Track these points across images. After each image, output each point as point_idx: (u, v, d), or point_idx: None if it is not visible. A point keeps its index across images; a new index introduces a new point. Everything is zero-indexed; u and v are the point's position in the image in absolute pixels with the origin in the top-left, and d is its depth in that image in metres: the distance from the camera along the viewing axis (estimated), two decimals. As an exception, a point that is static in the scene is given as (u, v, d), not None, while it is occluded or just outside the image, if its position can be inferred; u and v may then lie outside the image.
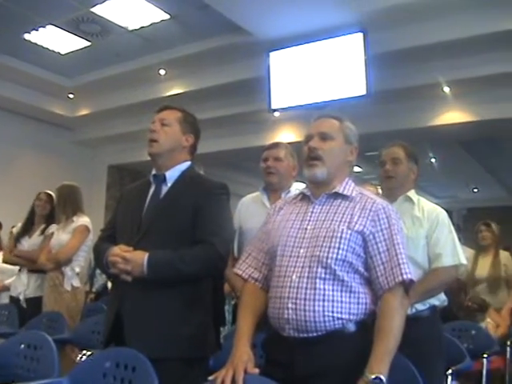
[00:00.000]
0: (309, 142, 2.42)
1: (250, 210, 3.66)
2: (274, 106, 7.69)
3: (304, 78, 7.38)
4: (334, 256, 2.21)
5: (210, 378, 2.15)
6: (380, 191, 3.57)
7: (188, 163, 2.86)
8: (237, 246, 3.57)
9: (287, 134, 8.86)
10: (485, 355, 4.34)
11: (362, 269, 2.26)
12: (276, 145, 3.80)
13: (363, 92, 6.89)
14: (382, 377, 2.06)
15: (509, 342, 5.08)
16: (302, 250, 2.28)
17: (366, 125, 7.49)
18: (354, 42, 6.89)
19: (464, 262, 3.35)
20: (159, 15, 7.19)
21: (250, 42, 7.15)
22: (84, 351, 3.99)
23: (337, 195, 2.38)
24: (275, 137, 8.76)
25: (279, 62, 7.48)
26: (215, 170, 9.92)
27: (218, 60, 7.83)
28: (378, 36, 6.70)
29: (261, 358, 2.41)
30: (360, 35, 6.82)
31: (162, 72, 8.63)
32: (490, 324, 5.25)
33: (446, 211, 3.44)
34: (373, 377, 2.05)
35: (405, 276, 2.21)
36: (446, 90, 7.61)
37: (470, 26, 6.44)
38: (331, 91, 7.13)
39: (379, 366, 2.08)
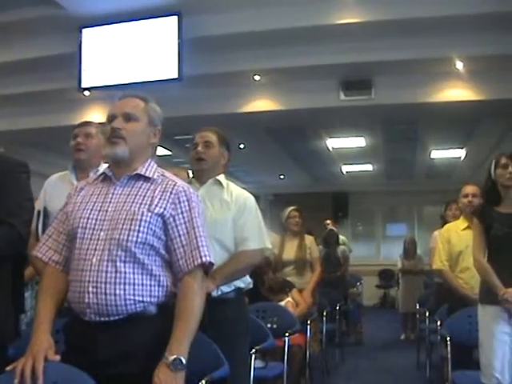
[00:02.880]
0: (112, 122, 2.36)
1: (56, 189, 3.53)
2: (84, 85, 7.45)
3: (116, 58, 7.21)
4: (134, 239, 2.20)
5: (8, 368, 2.06)
6: (191, 175, 3.59)
7: None
8: (41, 228, 3.43)
9: (98, 115, 8.61)
10: (287, 334, 4.53)
11: (162, 251, 2.27)
12: (87, 122, 3.72)
13: (175, 75, 6.87)
14: (182, 358, 2.09)
15: (309, 321, 5.37)
16: (102, 233, 2.24)
17: (177, 108, 7.54)
18: (169, 25, 6.83)
19: (269, 246, 3.47)
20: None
21: (61, 16, 6.83)
22: None
23: (138, 177, 2.36)
24: (85, 116, 8.47)
25: (91, 39, 7.23)
26: (20, 148, 9.44)
27: (25, 33, 7.41)
28: (192, 20, 6.69)
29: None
30: (175, 18, 6.77)
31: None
32: (290, 303, 5.50)
33: (254, 196, 3.55)
34: (172, 358, 2.08)
35: (204, 259, 2.25)
36: (257, 78, 7.80)
37: (283, 18, 6.62)
38: (143, 73, 7.04)
39: (179, 347, 2.11)
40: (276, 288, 5.67)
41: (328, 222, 10.00)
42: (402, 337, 9.70)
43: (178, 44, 6.80)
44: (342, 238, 10.02)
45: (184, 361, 2.10)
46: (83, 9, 6.79)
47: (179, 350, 2.11)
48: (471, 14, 6.35)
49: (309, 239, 6.43)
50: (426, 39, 6.82)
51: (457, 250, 4.88)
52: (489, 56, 7.08)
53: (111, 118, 2.38)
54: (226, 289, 3.25)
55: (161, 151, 10.90)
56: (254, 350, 3.71)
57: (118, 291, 2.16)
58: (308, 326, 5.33)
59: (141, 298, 2.19)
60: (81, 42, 7.22)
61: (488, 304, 3.74)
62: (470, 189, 5.00)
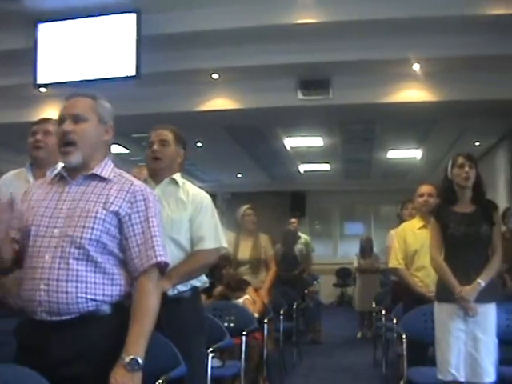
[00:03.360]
0: (61, 124, 2.32)
1: (11, 187, 3.46)
2: (40, 81, 7.32)
3: (73, 55, 7.08)
4: (88, 236, 2.18)
5: None
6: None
7: None
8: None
9: (54, 112, 8.38)
10: (244, 332, 4.54)
11: (116, 250, 2.25)
12: (46, 119, 3.64)
13: (133, 73, 6.79)
14: (139, 358, 2.08)
15: (266, 320, 5.38)
16: (56, 230, 2.21)
17: (134, 106, 7.49)
18: (127, 22, 6.75)
19: (225, 245, 3.47)
20: None
21: (17, 10, 6.70)
22: None
23: (94, 176, 2.33)
24: (41, 113, 8.32)
25: (48, 35, 7.10)
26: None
27: (-22, 27, 7.28)
28: (151, 18, 6.63)
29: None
30: (133, 15, 6.70)
31: None
32: (248, 300, 5.50)
33: (211, 195, 3.54)
34: (129, 358, 2.07)
35: (159, 258, 2.24)
36: (215, 76, 7.78)
37: (242, 16, 6.62)
38: (101, 70, 6.94)
39: (135, 347, 2.10)
40: (234, 285, 5.67)
41: (293, 220, 10.01)
42: (359, 335, 9.78)
43: (137, 41, 6.73)
44: (304, 237, 10.04)
45: (140, 361, 2.08)
46: (40, 3, 6.67)
47: (135, 350, 2.09)
48: (428, 17, 6.44)
49: (263, 238, 6.45)
50: (383, 40, 6.89)
51: (412, 249, 4.94)
52: (445, 58, 7.18)
53: (60, 121, 2.34)
54: (182, 288, 3.24)
55: (118, 149, 10.82)
56: (211, 349, 3.71)
57: (69, 289, 2.13)
58: (265, 325, 5.34)
59: (93, 297, 2.16)
60: (37, 37, 7.09)
61: (444, 302, 3.80)
62: (425, 188, 5.06)
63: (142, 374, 2.09)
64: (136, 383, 2.07)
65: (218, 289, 5.67)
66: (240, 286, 5.70)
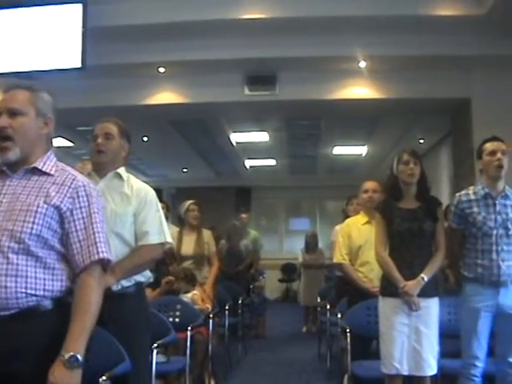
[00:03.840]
0: None
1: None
2: (-20, 72, 7.14)
3: (17, 44, 6.91)
4: (29, 230, 2.13)
5: None
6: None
7: None
8: None
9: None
10: (189, 328, 4.52)
11: (58, 245, 2.20)
12: None
13: (78, 65, 6.65)
14: (78, 355, 2.05)
15: (211, 315, 5.37)
16: None
17: (79, 99, 7.37)
18: (73, 13, 6.60)
19: (169, 240, 3.44)
20: None
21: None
22: None
23: (36, 170, 2.28)
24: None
25: (-10, 23, 6.93)
26: None
27: None
28: (97, 9, 6.51)
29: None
30: (79, 6, 6.56)
31: None
32: (196, 295, 5.49)
33: (156, 190, 3.51)
34: (68, 355, 2.03)
35: (101, 255, 2.21)
36: (161, 70, 7.72)
37: (189, 10, 6.61)
38: (45, 61, 6.77)
39: (75, 344, 2.07)
40: (189, 275, 5.66)
41: (244, 215, 9.98)
42: (304, 329, 9.85)
43: (82, 33, 6.58)
44: (253, 233, 10.03)
45: (80, 358, 2.05)
46: (-19, -10, 6.52)
47: (75, 347, 2.06)
48: (375, 15, 6.53)
49: (206, 234, 6.45)
50: (330, 37, 6.96)
51: (357, 245, 4.98)
52: (391, 56, 7.31)
53: None
54: (126, 283, 3.20)
55: (63, 142, 10.62)
56: (155, 345, 3.69)
57: (8, 283, 2.08)
58: (210, 320, 5.33)
59: (33, 292, 2.11)
60: (-24, 25, 6.90)
61: (388, 296, 3.85)
62: (370, 185, 5.11)
63: (81, 371, 2.06)
64: (75, 381, 2.04)
65: (166, 279, 5.62)
66: (194, 278, 5.71)
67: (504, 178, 3.91)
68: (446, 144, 10.35)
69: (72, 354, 2.04)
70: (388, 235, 3.95)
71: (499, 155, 3.86)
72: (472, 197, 3.93)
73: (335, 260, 5.21)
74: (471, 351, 3.79)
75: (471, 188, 4.01)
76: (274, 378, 6.58)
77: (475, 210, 3.88)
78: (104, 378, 2.30)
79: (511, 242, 3.84)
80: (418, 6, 6.56)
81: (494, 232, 3.82)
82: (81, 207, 2.24)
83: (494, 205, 3.86)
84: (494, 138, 3.97)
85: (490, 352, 3.91)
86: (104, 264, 2.26)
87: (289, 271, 15.13)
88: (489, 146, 3.93)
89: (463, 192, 4.02)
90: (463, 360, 3.85)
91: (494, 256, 3.80)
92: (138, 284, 3.30)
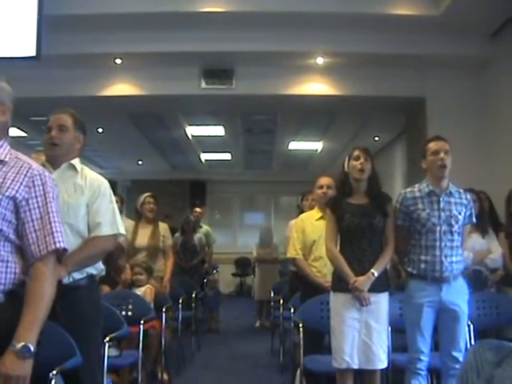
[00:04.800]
0: None
1: None
2: None
3: (-32, 32, 6.77)
4: None
5: None
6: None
7: None
8: None
9: None
10: (142, 321, 4.50)
11: (13, 236, 2.18)
12: None
13: (33, 53, 6.52)
14: (30, 345, 2.03)
15: (164, 309, 5.35)
16: None
17: (34, 89, 7.24)
18: (28, 0, 6.50)
19: (122, 231, 3.42)
20: None
21: None
22: None
23: None
24: None
25: None
26: None
27: None
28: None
29: None
30: (35, -7, 6.46)
31: None
32: (149, 289, 5.46)
33: (111, 182, 3.48)
34: (20, 345, 2.01)
35: (57, 245, 2.18)
36: (118, 61, 7.64)
37: (147, 2, 6.61)
38: (-2, 49, 6.67)
39: (27, 334, 2.04)
40: (146, 267, 5.63)
41: (198, 209, 9.96)
42: (258, 324, 9.87)
43: (38, 21, 6.44)
44: (205, 227, 10.03)
45: (32, 348, 2.03)
46: None
47: (27, 336, 2.04)
48: (332, 12, 6.58)
49: (163, 226, 6.42)
50: (288, 33, 6.98)
51: (310, 240, 5.02)
52: (347, 53, 7.38)
53: None
54: (77, 275, 3.17)
55: (16, 132, 10.45)
56: (107, 339, 3.66)
57: None
58: (163, 314, 5.32)
59: None
60: None
61: (339, 292, 3.89)
62: (324, 180, 5.14)
63: (32, 361, 2.04)
64: (26, 371, 2.02)
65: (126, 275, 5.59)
66: (152, 271, 5.70)
67: (448, 175, 3.98)
68: (401, 142, 10.49)
69: (24, 343, 2.01)
70: (338, 231, 4.00)
71: (442, 155, 3.91)
72: (417, 194, 3.99)
73: (289, 255, 5.24)
74: (416, 346, 3.85)
75: (416, 185, 4.07)
76: (227, 372, 6.59)
77: (420, 206, 3.94)
78: (54, 372, 2.27)
79: (454, 239, 3.91)
80: (376, 5, 6.65)
81: (438, 228, 3.88)
82: (36, 196, 2.21)
83: (439, 202, 3.92)
84: (438, 138, 4.04)
85: (435, 346, 3.99)
86: (59, 254, 2.23)
87: (243, 265, 15.14)
88: (432, 145, 3.99)
89: (408, 189, 4.08)
90: (409, 354, 3.92)
91: (438, 252, 3.86)
92: (91, 277, 3.27)
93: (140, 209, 6.39)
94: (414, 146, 8.44)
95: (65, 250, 2.24)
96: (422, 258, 3.90)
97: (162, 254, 6.27)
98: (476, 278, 5.08)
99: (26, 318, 2.07)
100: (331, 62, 7.64)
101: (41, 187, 2.23)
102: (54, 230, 2.19)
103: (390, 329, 4.01)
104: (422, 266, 3.89)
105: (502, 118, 7.17)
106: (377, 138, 11.66)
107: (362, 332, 3.80)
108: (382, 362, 3.81)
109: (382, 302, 3.88)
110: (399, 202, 4.05)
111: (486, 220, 5.48)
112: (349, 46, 7.18)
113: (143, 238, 6.21)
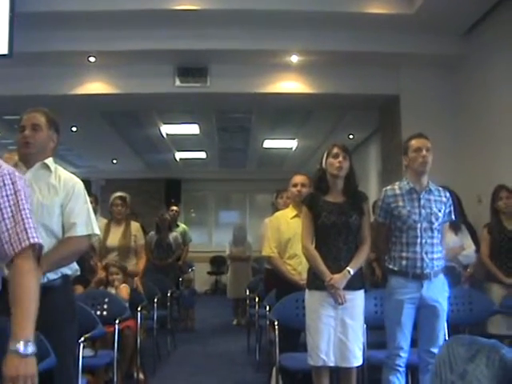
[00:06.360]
0: None
1: None
2: None
3: None
4: None
5: None
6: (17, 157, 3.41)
7: None
8: None
9: None
10: (117, 321, 4.49)
11: None
12: None
13: (5, 51, 6.44)
14: (30, 342, 1.98)
15: (140, 308, 5.34)
16: None
17: (6, 87, 7.18)
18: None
19: (97, 231, 3.40)
20: None
21: None
22: None
23: None
24: None
25: None
26: None
27: None
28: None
29: None
30: (6, -10, 6.38)
31: None
32: (125, 288, 5.44)
33: (85, 181, 3.46)
34: (20, 344, 1.96)
35: (32, 240, 2.12)
36: (92, 59, 7.58)
37: (125, 0, 6.54)
38: (-32, 46, 6.58)
39: (24, 331, 1.99)
40: (121, 268, 5.62)
41: (174, 208, 9.94)
42: (234, 322, 9.89)
43: (10, 17, 6.36)
44: (182, 226, 10.03)
45: (32, 344, 1.98)
46: None
47: (24, 334, 1.99)
48: (307, 11, 6.60)
49: (135, 226, 6.39)
50: (263, 31, 7.00)
51: (285, 238, 5.03)
52: (322, 51, 7.41)
53: None
54: (52, 276, 3.14)
55: (-13, 132, 10.36)
56: (82, 339, 3.64)
57: None
58: (138, 313, 5.30)
59: None
60: None
61: (315, 289, 3.91)
62: (299, 178, 5.15)
63: (35, 359, 2.00)
64: (32, 369, 1.98)
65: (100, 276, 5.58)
66: (125, 269, 5.69)
67: (428, 173, 4.02)
68: (375, 139, 10.56)
69: (23, 341, 1.97)
70: (314, 228, 4.01)
71: (424, 152, 3.96)
72: (397, 191, 4.03)
73: (264, 253, 5.25)
74: (396, 342, 3.88)
75: (397, 183, 4.11)
76: (203, 370, 6.58)
77: (400, 203, 3.97)
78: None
79: (434, 236, 3.95)
80: (350, 3, 6.68)
81: (419, 225, 3.92)
82: (7, 195, 2.16)
83: (419, 199, 3.96)
84: (419, 135, 4.08)
85: (413, 343, 4.03)
86: (36, 251, 2.18)
87: (218, 264, 15.15)
88: (414, 142, 4.03)
89: (389, 187, 4.11)
90: (388, 351, 3.95)
91: (418, 249, 3.90)
92: (65, 277, 3.25)
93: (109, 209, 6.37)
94: (388, 144, 8.50)
95: (40, 246, 2.20)
96: (403, 254, 3.93)
97: (133, 254, 6.25)
98: (450, 274, 5.13)
99: (18, 316, 2.02)
100: (306, 60, 7.67)
101: (11, 186, 2.18)
102: (27, 226, 2.14)
103: (365, 326, 4.04)
104: (403, 262, 3.92)
105: (475, 115, 7.25)
106: (351, 136, 11.72)
107: (338, 329, 3.82)
108: (357, 360, 3.84)
109: (357, 299, 3.91)
110: (381, 199, 4.08)
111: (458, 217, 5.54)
112: (323, 45, 7.21)
113: (115, 237, 6.18)
